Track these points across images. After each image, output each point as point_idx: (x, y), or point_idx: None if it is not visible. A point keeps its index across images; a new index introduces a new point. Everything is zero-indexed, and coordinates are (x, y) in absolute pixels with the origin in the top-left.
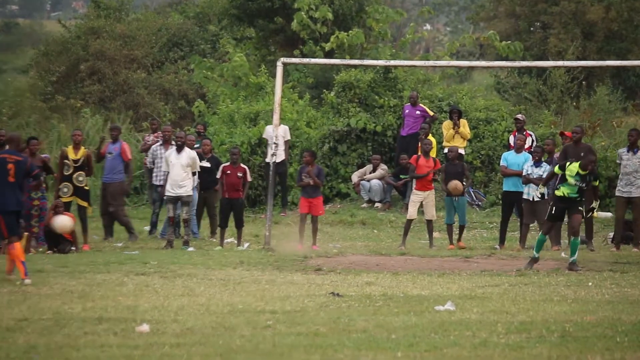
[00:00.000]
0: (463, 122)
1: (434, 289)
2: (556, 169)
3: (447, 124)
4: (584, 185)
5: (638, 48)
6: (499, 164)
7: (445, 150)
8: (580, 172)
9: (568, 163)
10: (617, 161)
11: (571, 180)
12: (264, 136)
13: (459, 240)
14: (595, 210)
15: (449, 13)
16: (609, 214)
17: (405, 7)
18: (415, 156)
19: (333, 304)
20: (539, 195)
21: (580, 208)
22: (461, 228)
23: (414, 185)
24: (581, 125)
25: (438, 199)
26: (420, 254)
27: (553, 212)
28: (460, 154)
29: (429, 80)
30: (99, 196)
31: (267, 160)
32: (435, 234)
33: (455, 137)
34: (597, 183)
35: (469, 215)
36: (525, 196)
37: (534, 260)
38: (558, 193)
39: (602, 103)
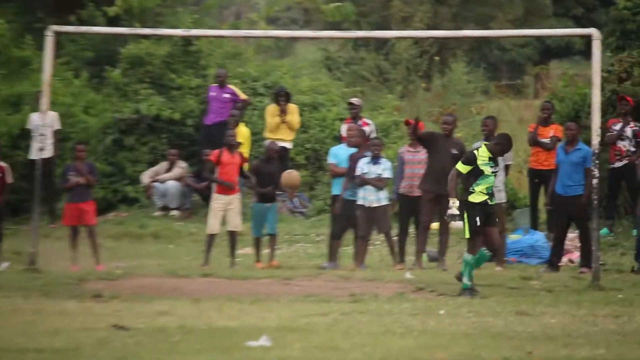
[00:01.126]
0: (292, 107)
1: (246, 319)
2: (460, 166)
3: (272, 110)
4: (498, 171)
5: (503, 14)
6: (327, 160)
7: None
8: (491, 155)
9: (475, 151)
10: None
11: (487, 169)
12: (28, 126)
13: (271, 257)
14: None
15: None
16: None
17: None
18: (217, 151)
19: (116, 340)
20: (455, 214)
21: (496, 219)
22: (272, 239)
23: (214, 189)
24: (453, 114)
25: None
26: (228, 276)
27: (478, 223)
28: (286, 148)
29: (240, 54)
30: None
31: (33, 156)
32: (246, 250)
33: (281, 127)
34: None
35: (290, 226)
36: (360, 202)
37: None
38: (475, 198)
39: (458, 83)
